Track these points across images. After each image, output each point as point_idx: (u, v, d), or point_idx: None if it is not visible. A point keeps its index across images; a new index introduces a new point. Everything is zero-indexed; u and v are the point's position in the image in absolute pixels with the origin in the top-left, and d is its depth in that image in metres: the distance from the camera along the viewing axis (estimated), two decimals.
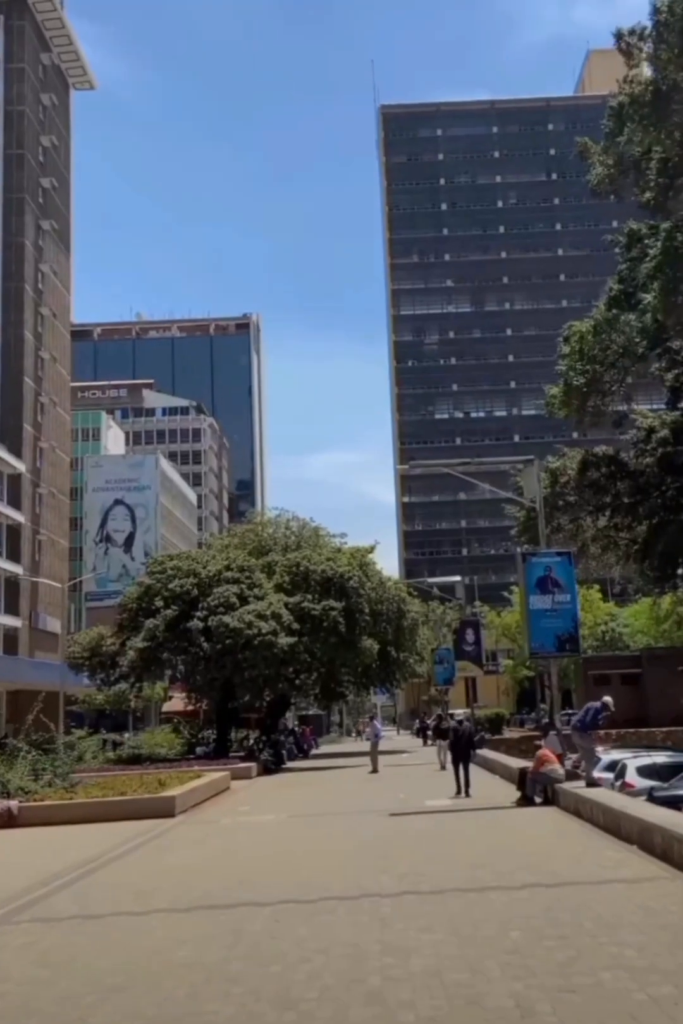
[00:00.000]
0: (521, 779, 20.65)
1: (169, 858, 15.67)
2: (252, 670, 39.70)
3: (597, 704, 19.07)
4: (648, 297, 34.61)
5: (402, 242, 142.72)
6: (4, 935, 10.18)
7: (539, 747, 21.63)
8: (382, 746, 37.50)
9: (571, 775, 19.98)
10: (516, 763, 26.69)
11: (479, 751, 37.58)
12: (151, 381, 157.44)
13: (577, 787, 18.49)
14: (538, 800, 20.12)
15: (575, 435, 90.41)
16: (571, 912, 9.49)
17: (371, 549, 50.68)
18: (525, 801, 20.21)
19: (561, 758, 20.55)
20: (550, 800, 19.81)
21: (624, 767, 21.31)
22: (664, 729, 45.98)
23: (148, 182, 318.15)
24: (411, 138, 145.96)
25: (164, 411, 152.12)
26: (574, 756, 21.49)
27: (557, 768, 19.93)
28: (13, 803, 22.23)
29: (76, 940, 9.70)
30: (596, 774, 20.55)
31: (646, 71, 33.54)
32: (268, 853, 15.50)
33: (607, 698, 19.08)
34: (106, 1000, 7.38)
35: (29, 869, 14.91)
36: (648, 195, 34.81)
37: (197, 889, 12.29)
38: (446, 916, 9.68)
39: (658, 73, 31.78)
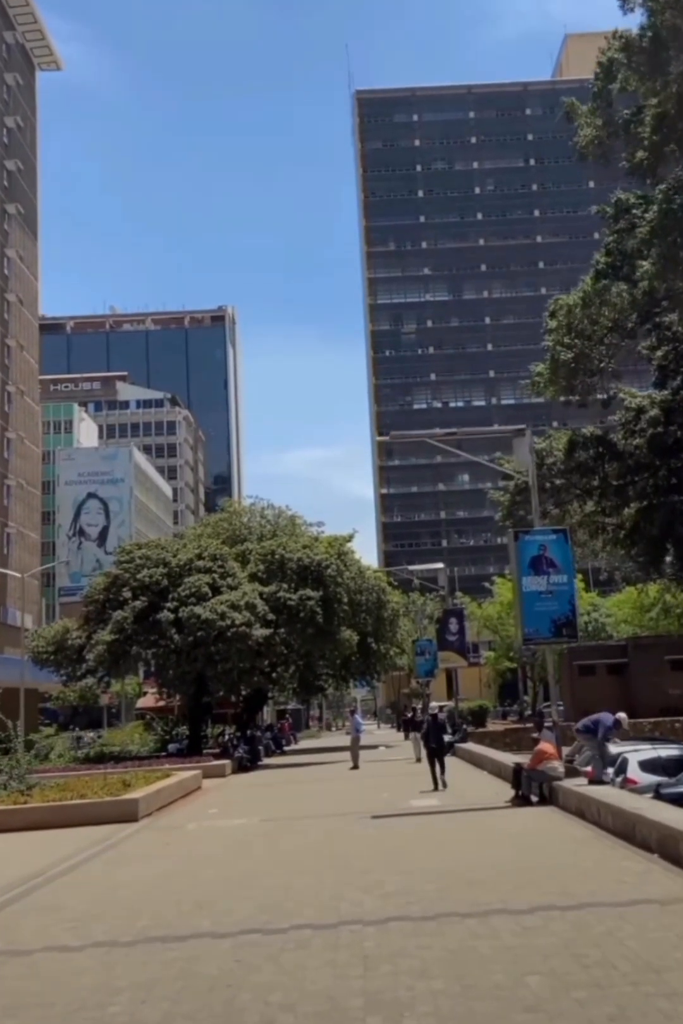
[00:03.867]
0: (516, 776, 18.92)
1: (122, 873, 13.80)
2: (226, 663, 37.88)
3: (610, 720, 17.57)
4: (645, 265, 32.83)
5: (378, 230, 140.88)
6: None
7: (535, 741, 19.87)
8: (363, 740, 35.79)
9: (571, 772, 18.25)
10: (509, 758, 24.99)
11: (464, 745, 36.17)
12: (125, 374, 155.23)
13: (581, 786, 16.73)
14: (534, 799, 18.41)
15: (555, 425, 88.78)
16: (598, 947, 7.71)
17: (349, 538, 48.96)
18: (521, 800, 18.49)
19: (560, 753, 18.81)
20: (547, 799, 18.10)
21: (625, 761, 19.54)
22: (651, 720, 44.53)
23: (119, 172, 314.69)
24: (387, 124, 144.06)
25: (138, 404, 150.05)
26: (568, 749, 19.83)
27: (557, 765, 18.21)
28: None
29: None
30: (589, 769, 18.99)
31: (639, 19, 31.89)
32: (234, 867, 13.65)
33: (622, 714, 18.01)
34: None
35: None
36: (641, 154, 33.03)
37: (146, 914, 10.45)
38: (444, 953, 7.87)
39: (654, 19, 30.04)
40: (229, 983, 7.41)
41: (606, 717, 17.85)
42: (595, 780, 17.03)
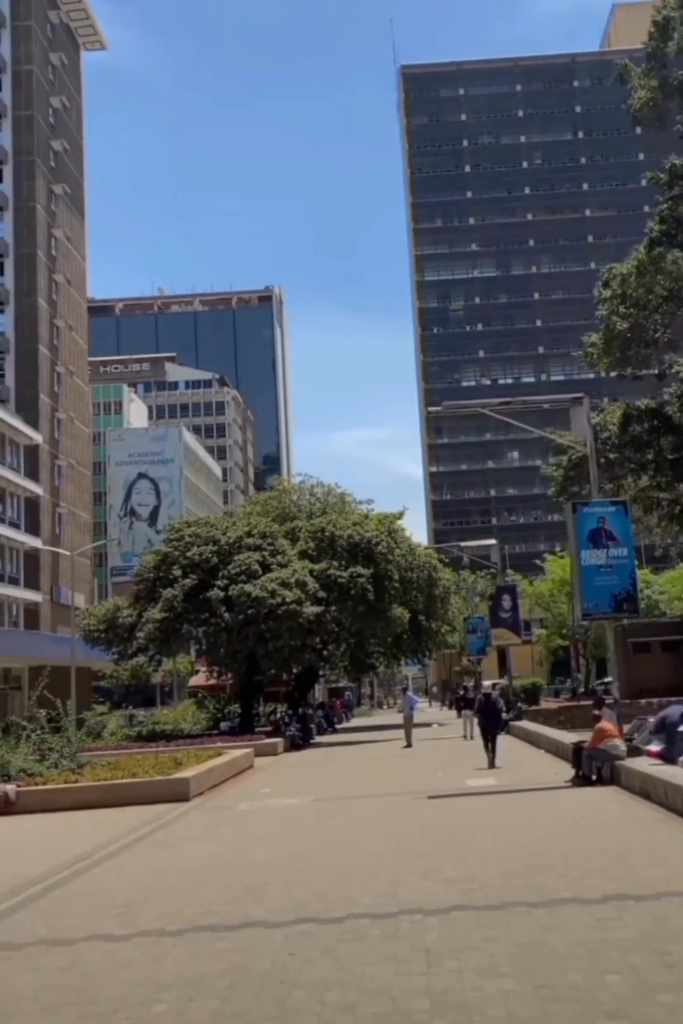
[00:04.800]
0: (576, 755, 18.26)
1: (171, 855, 13.39)
2: (277, 641, 37.56)
3: (678, 715, 16.91)
4: None
5: (425, 206, 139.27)
6: None
7: (594, 719, 19.18)
8: (416, 718, 35.27)
9: (633, 751, 17.56)
10: (566, 736, 24.32)
11: (518, 723, 35.55)
12: (173, 355, 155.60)
13: (646, 765, 16.05)
14: (595, 778, 17.75)
15: (606, 400, 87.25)
16: (681, 942, 7.10)
17: (400, 515, 48.39)
18: (581, 780, 17.84)
19: (621, 731, 18.12)
20: (609, 779, 17.45)
21: None
22: None
23: (164, 153, 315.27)
24: (433, 99, 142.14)
25: (187, 384, 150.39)
26: (627, 727, 19.16)
27: (619, 744, 17.52)
28: (11, 787, 20.18)
29: (25, 981, 7.40)
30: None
31: None
32: (287, 849, 13.17)
33: None
34: None
35: (7, 871, 12.66)
36: None
37: (195, 900, 10.01)
38: (513, 947, 7.31)
39: None
40: (282, 979, 6.92)
41: (673, 713, 17.23)
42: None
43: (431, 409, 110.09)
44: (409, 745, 32.24)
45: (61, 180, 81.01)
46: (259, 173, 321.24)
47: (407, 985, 6.55)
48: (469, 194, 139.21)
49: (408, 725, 33.09)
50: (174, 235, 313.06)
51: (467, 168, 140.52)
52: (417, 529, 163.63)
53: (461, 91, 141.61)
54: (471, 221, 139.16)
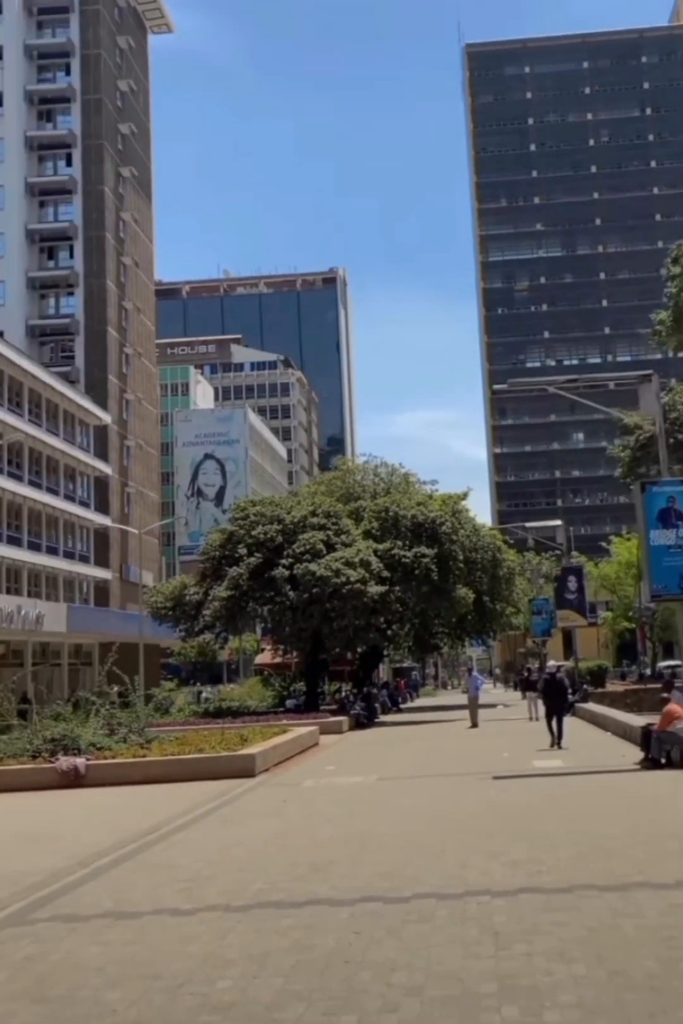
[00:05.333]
0: (645, 738, 17.94)
1: (237, 831, 13.39)
2: (341, 620, 37.56)
3: None
4: None
5: (490, 186, 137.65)
6: (7, 942, 7.97)
7: (663, 702, 18.82)
8: (481, 699, 35.02)
9: None
10: (634, 719, 23.93)
11: (584, 705, 35.14)
12: (239, 337, 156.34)
13: None
14: (663, 762, 17.43)
15: (674, 381, 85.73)
16: None
17: (464, 496, 48.06)
18: (650, 763, 17.52)
19: None
20: (678, 762, 17.10)
21: None
22: None
23: (230, 135, 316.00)
24: (498, 77, 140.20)
25: (252, 366, 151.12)
26: None
27: None
28: (80, 761, 20.39)
29: (91, 954, 7.42)
30: None
31: None
32: (352, 827, 13.10)
33: None
34: None
35: (75, 843, 12.82)
36: None
37: (261, 876, 9.98)
38: (583, 932, 7.13)
39: None
40: (347, 959, 6.83)
41: None
42: None
43: (496, 387, 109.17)
44: (474, 725, 32.05)
45: (128, 163, 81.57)
46: (323, 154, 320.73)
47: (475, 968, 6.42)
48: (534, 173, 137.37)
49: (473, 705, 32.89)
50: (239, 218, 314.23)
51: (532, 147, 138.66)
52: (481, 510, 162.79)
53: (526, 69, 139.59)
54: (536, 200, 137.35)
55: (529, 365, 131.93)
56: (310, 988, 6.23)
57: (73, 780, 19.71)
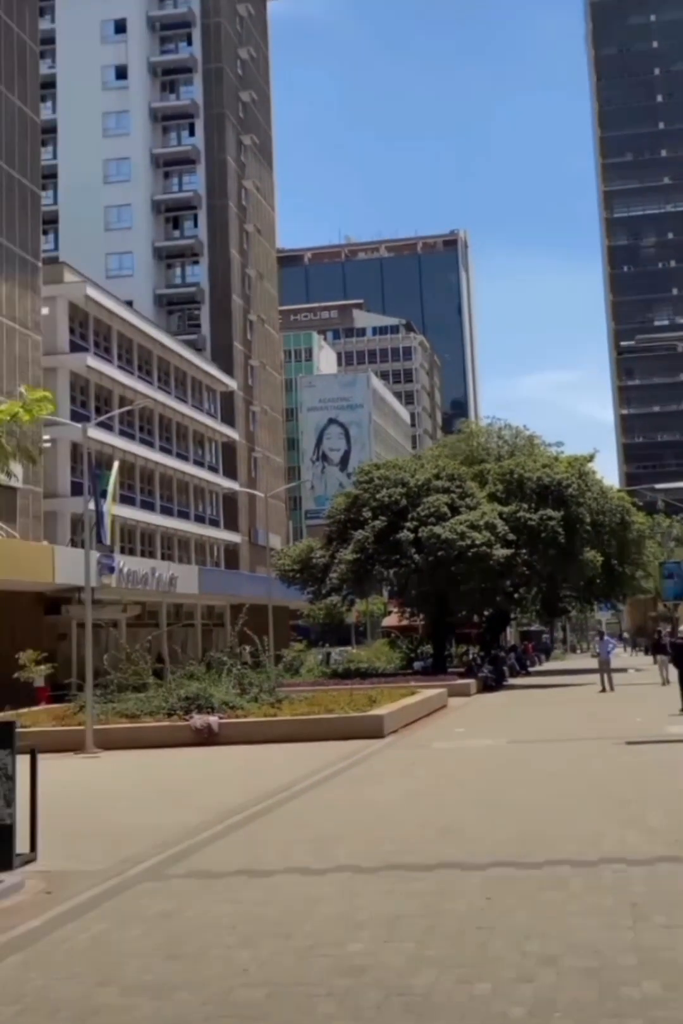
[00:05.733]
0: None
1: (366, 791, 13.41)
2: (467, 583, 37.33)
3: None
4: None
5: (614, 140, 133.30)
6: (144, 897, 8.14)
7: None
8: (612, 663, 34.28)
9: None
10: None
11: None
12: (361, 301, 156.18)
13: None
14: None
15: None
16: None
17: (590, 457, 46.94)
18: None
19: None
20: None
21: None
22: None
23: (349, 100, 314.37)
24: (622, 27, 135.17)
25: (374, 331, 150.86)
26: None
27: None
28: (214, 719, 20.90)
29: (224, 912, 7.48)
30: None
31: None
32: (482, 790, 12.96)
33: None
34: None
35: (211, 799, 13.07)
36: None
37: (391, 838, 9.94)
38: None
39: None
40: (480, 925, 6.71)
41: None
42: None
43: (624, 343, 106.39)
44: (604, 689, 31.47)
45: (249, 131, 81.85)
46: (442, 115, 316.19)
47: (612, 940, 6.20)
48: (661, 125, 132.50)
49: (604, 669, 32.27)
50: (359, 182, 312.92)
51: (659, 98, 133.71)
52: (608, 473, 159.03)
53: (652, 17, 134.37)
54: (663, 154, 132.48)
55: (657, 323, 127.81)
56: (443, 954, 6.13)
57: (206, 738, 20.21)
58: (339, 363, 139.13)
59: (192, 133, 77.47)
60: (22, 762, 8.88)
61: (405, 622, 48.41)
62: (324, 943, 6.50)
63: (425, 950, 6.23)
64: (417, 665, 42.31)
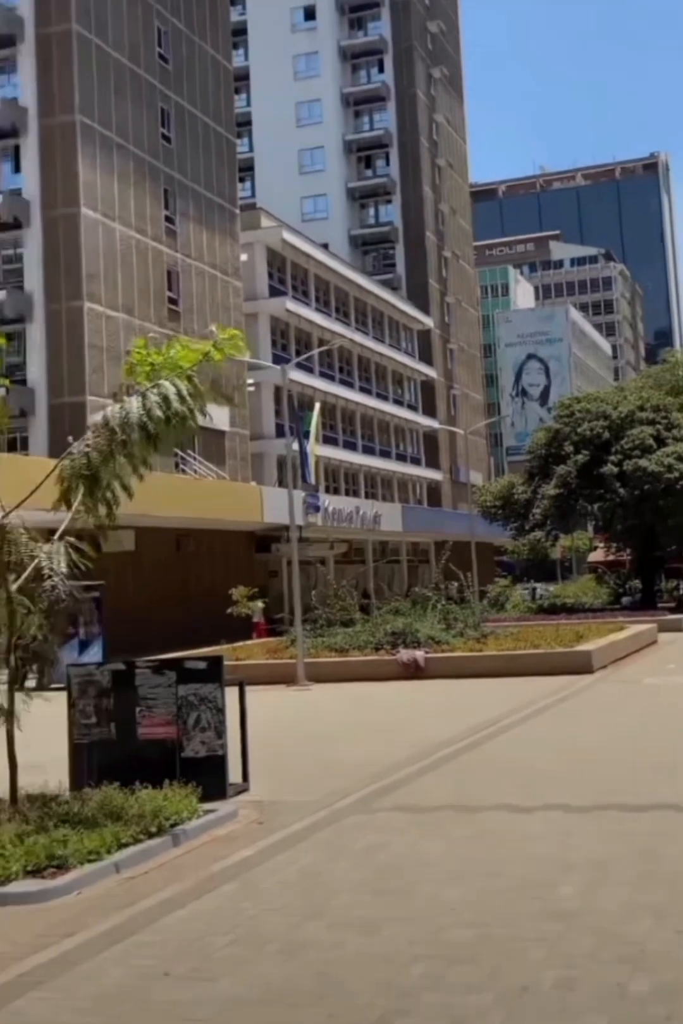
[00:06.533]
0: None
1: (575, 728, 13.11)
2: (675, 517, 36.00)
3: None
4: None
5: None
6: (352, 830, 8.19)
7: None
8: None
9: None
10: None
11: None
12: (557, 232, 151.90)
13: None
14: None
15: None
16: None
17: None
18: None
19: None
20: None
21: None
22: None
23: (540, 23, 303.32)
24: None
25: (572, 262, 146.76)
26: None
27: None
28: (420, 653, 21.05)
29: (431, 847, 7.43)
30: None
31: None
32: None
33: None
34: (437, 981, 4.94)
35: (419, 733, 13.13)
36: None
37: (601, 776, 9.65)
38: None
39: None
40: None
41: None
42: None
43: None
44: None
45: (439, 63, 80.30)
46: (635, 32, 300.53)
47: None
48: None
49: None
50: (553, 109, 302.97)
51: None
52: None
53: None
54: None
55: None
56: (659, 901, 5.84)
57: (413, 672, 20.35)
58: (537, 297, 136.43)
59: (381, 70, 76.80)
60: (232, 694, 9.08)
61: (612, 557, 47.12)
62: (533, 884, 6.32)
63: (640, 896, 5.96)
64: (625, 600, 41.17)
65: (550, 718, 14.27)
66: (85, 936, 5.85)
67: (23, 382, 36.17)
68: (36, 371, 36.93)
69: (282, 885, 6.70)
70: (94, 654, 21.22)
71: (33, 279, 37.33)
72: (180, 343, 8.38)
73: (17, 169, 38.27)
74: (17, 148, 38.29)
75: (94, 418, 8.41)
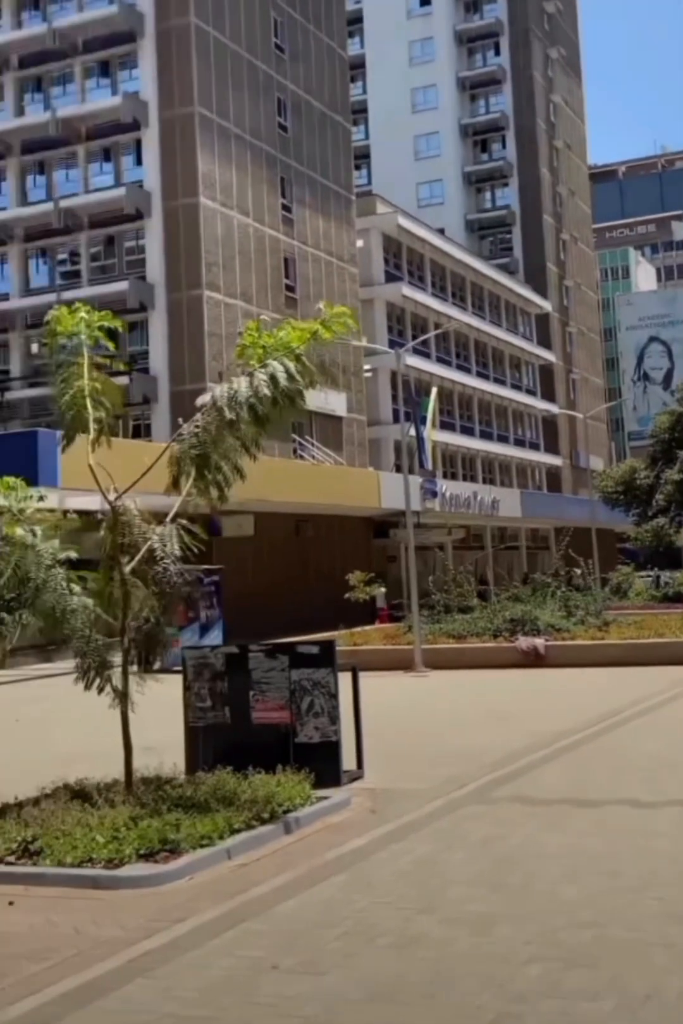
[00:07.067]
0: None
1: None
2: None
3: None
4: None
5: None
6: (468, 820, 7.98)
7: None
8: None
9: None
10: None
11: None
12: (680, 213, 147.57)
13: None
14: None
15: None
16: None
17: None
18: None
19: None
20: None
21: None
22: None
23: (655, 7, 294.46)
24: None
25: None
26: None
27: None
28: (540, 641, 20.67)
29: (549, 841, 7.16)
30: None
31: None
32: None
33: None
34: (554, 986, 4.70)
35: (539, 722, 12.81)
36: None
37: None
38: None
39: None
40: None
41: None
42: None
43: None
44: None
45: (556, 43, 78.57)
46: None
47: None
48: None
49: None
50: (675, 87, 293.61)
51: None
52: None
53: None
54: None
55: None
56: None
57: (533, 659, 19.99)
58: (659, 278, 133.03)
59: (497, 52, 75.62)
60: (346, 680, 8.95)
61: None
62: (656, 884, 6.01)
63: None
64: None
65: (675, 710, 13.77)
66: (195, 922, 5.80)
67: (146, 370, 36.91)
68: (158, 359, 37.59)
69: (395, 876, 6.54)
70: (215, 638, 21.59)
71: (155, 269, 37.97)
72: (290, 325, 8.28)
73: (139, 162, 38.97)
74: (139, 141, 39.00)
75: (202, 398, 8.32)
